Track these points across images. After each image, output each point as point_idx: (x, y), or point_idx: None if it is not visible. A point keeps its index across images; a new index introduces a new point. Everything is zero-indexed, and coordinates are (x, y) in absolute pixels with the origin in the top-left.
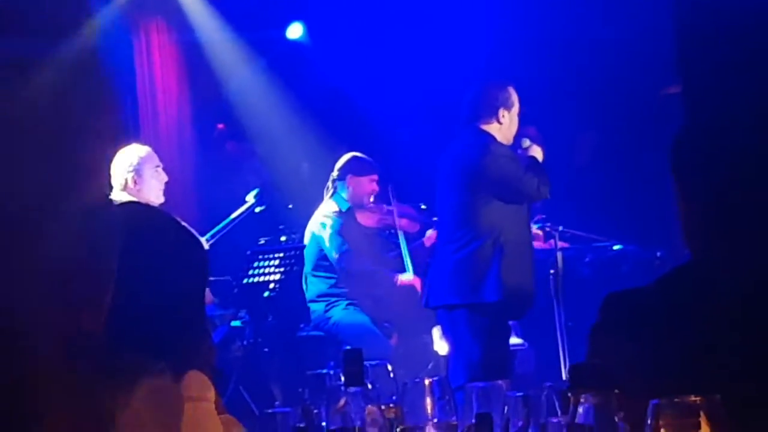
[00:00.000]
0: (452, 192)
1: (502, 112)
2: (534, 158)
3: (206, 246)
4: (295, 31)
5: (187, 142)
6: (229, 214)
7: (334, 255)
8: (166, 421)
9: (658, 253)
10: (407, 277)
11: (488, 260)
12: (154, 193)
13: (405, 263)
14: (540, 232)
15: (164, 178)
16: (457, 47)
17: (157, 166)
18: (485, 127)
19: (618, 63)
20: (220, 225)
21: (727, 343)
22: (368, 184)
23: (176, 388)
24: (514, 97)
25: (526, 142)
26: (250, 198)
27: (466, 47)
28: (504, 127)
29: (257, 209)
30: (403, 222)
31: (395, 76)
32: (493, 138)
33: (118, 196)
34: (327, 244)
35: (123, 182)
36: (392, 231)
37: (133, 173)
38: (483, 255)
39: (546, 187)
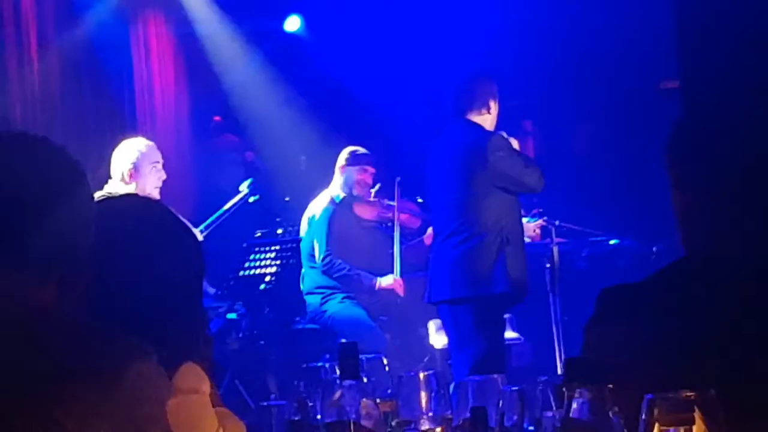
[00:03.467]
0: (451, 186)
1: (491, 102)
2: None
3: (200, 237)
4: (293, 23)
5: (184, 134)
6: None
7: (318, 257)
8: (151, 405)
9: (655, 248)
10: (387, 281)
11: (494, 253)
12: (149, 189)
13: (394, 263)
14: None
15: (162, 176)
16: (454, 39)
17: (156, 162)
18: (476, 119)
19: (615, 57)
20: (215, 216)
21: (722, 338)
22: (358, 174)
23: (162, 373)
24: (496, 88)
25: (503, 135)
26: (244, 188)
27: (463, 39)
28: (491, 117)
29: (251, 199)
30: (404, 217)
31: (394, 68)
32: (489, 131)
33: (115, 186)
34: (316, 240)
35: (120, 175)
36: (390, 226)
37: (131, 167)
38: (488, 247)
39: (543, 179)
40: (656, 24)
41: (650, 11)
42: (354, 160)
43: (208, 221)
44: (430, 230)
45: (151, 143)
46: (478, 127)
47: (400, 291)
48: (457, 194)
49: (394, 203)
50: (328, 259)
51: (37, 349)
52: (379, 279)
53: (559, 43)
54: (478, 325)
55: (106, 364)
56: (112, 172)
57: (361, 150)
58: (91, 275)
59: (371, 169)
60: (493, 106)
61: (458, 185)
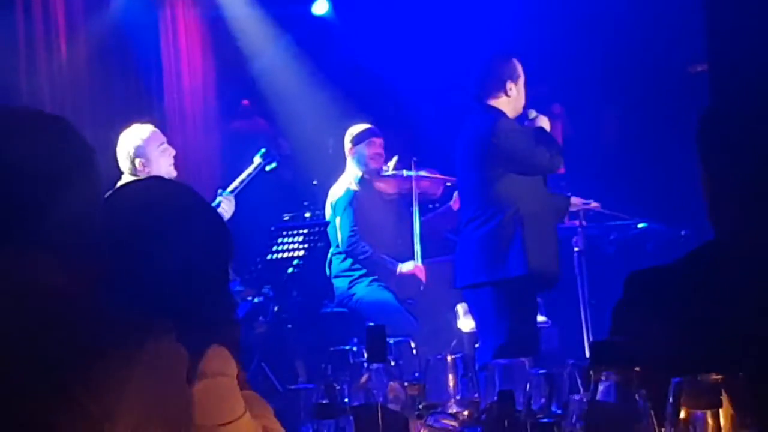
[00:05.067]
0: (468, 170)
1: (509, 84)
2: (542, 129)
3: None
4: (320, 7)
5: (212, 117)
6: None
7: (341, 239)
8: (170, 382)
9: (683, 232)
10: (407, 266)
11: (510, 234)
12: (164, 171)
13: (414, 250)
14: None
15: (172, 152)
16: (481, 23)
17: (162, 144)
18: (494, 102)
19: (645, 40)
20: (230, 188)
21: (750, 321)
22: (369, 149)
23: (181, 351)
24: (520, 69)
25: (533, 113)
26: (257, 159)
27: (490, 23)
28: (512, 99)
29: (268, 167)
30: (425, 184)
31: (421, 52)
32: (502, 113)
33: (127, 180)
34: (338, 223)
35: (131, 167)
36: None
37: (140, 158)
38: (504, 229)
39: (558, 157)
40: (685, 7)
41: None
42: (358, 138)
43: (226, 192)
44: (456, 195)
45: (150, 127)
46: (491, 112)
47: (422, 277)
48: (474, 179)
49: (413, 172)
50: (352, 240)
51: (54, 330)
52: (400, 265)
53: (588, 26)
54: (500, 309)
55: (124, 342)
56: (122, 167)
57: (361, 126)
58: (108, 257)
59: (378, 140)
60: (513, 89)
61: (474, 170)
